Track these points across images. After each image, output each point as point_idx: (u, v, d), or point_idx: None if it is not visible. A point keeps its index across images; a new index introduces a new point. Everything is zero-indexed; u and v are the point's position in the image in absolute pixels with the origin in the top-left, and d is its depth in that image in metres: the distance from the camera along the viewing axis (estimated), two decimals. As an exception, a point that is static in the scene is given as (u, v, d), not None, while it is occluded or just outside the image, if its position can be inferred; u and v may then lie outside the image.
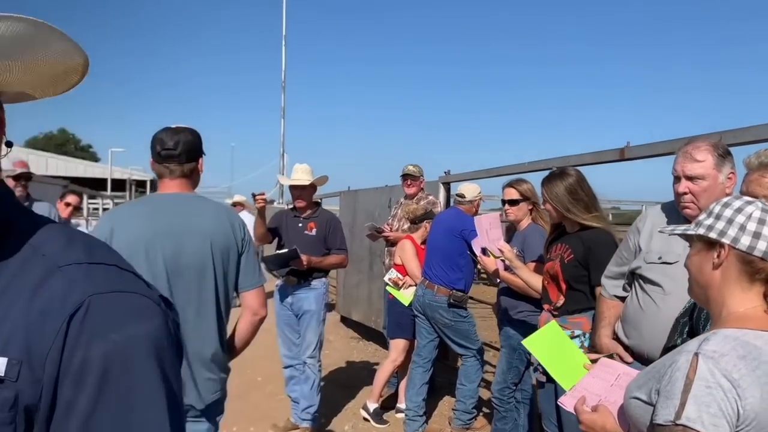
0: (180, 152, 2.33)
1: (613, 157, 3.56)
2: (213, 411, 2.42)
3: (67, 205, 5.42)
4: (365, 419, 5.02)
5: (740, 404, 1.25)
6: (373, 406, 5.02)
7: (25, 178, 4.52)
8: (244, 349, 2.56)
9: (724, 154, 2.35)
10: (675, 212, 2.47)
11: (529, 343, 2.46)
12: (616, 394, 1.70)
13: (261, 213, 4.57)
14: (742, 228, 1.40)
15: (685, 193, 2.34)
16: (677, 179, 2.38)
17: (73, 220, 5.65)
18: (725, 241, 1.42)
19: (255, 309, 2.44)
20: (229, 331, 2.49)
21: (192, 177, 2.40)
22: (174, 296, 2.24)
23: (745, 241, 1.39)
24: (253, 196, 4.50)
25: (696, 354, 1.30)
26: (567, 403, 1.84)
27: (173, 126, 2.39)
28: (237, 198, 11.50)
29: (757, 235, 1.38)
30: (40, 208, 4.62)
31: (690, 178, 2.32)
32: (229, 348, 2.48)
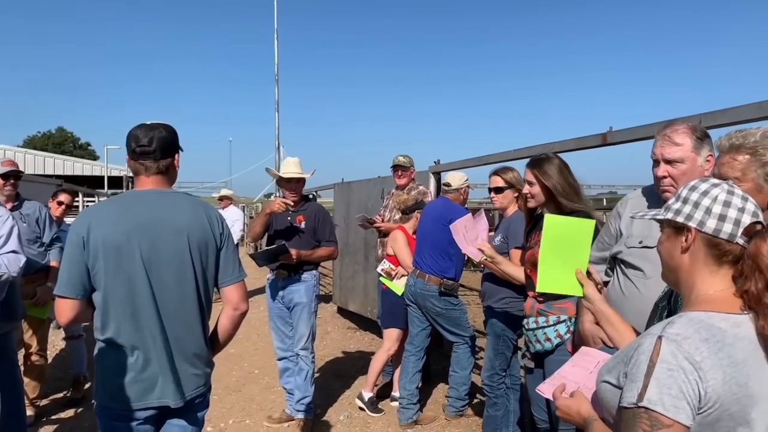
0: (155, 149, 2.32)
1: (596, 142, 3.56)
2: (196, 406, 2.42)
3: (60, 203, 5.41)
4: (360, 408, 5.05)
5: (701, 386, 1.25)
6: (368, 395, 5.06)
7: (14, 176, 4.50)
8: (227, 344, 2.56)
9: (702, 137, 2.34)
10: (655, 196, 2.47)
11: (551, 219, 2.16)
12: (594, 381, 1.71)
13: (270, 215, 4.55)
14: (708, 211, 1.41)
15: (665, 177, 2.34)
16: (656, 163, 2.37)
17: (66, 219, 5.62)
18: (692, 224, 1.42)
19: (235, 303, 2.44)
20: (211, 327, 2.50)
21: (168, 173, 2.39)
22: (154, 292, 2.25)
23: (711, 224, 1.40)
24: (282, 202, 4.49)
25: (659, 337, 1.30)
26: (545, 390, 1.84)
27: (148, 123, 2.38)
28: (224, 192, 11.45)
29: (722, 218, 1.39)
30: (29, 208, 4.62)
31: (669, 162, 2.32)
32: (212, 343, 2.48)
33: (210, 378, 2.49)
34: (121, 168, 31.85)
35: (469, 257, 3.72)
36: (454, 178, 4.79)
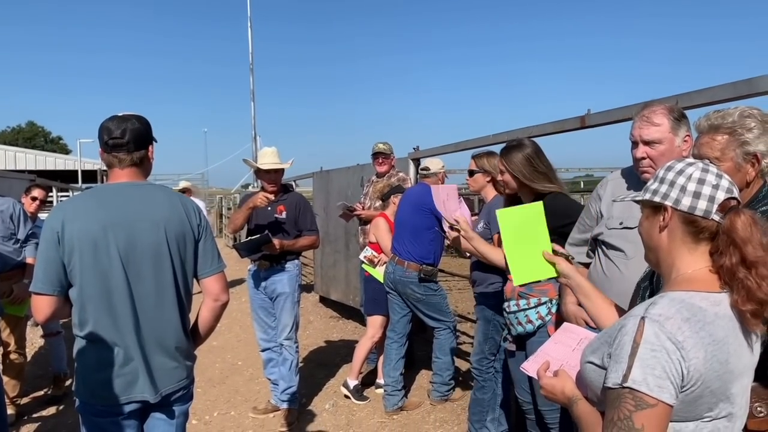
0: (128, 140, 2.27)
1: (574, 125, 3.58)
2: (180, 399, 2.40)
3: (33, 199, 5.30)
4: (346, 396, 5.07)
5: (684, 365, 1.27)
6: (353, 383, 5.07)
7: None
8: (208, 336, 2.54)
9: (679, 117, 2.36)
10: (635, 177, 2.49)
11: (503, 214, 2.24)
12: (577, 359, 1.72)
13: (252, 210, 4.51)
14: (683, 189, 1.42)
15: (644, 158, 2.36)
16: (635, 144, 2.39)
17: (41, 215, 5.51)
18: (667, 203, 1.44)
19: (216, 295, 2.41)
20: (192, 319, 2.48)
21: (143, 165, 2.35)
22: (131, 286, 2.22)
23: (686, 202, 1.41)
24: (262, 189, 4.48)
25: (642, 318, 1.32)
26: (529, 368, 1.85)
27: (120, 114, 2.33)
28: (183, 184, 11.21)
29: (697, 195, 1.41)
30: (2, 204, 4.52)
31: (647, 143, 2.34)
32: (193, 335, 2.46)
33: (192, 371, 2.47)
34: (95, 162, 31.36)
35: (448, 244, 3.75)
36: (432, 163, 4.81)
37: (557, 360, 1.77)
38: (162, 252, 2.26)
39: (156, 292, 2.27)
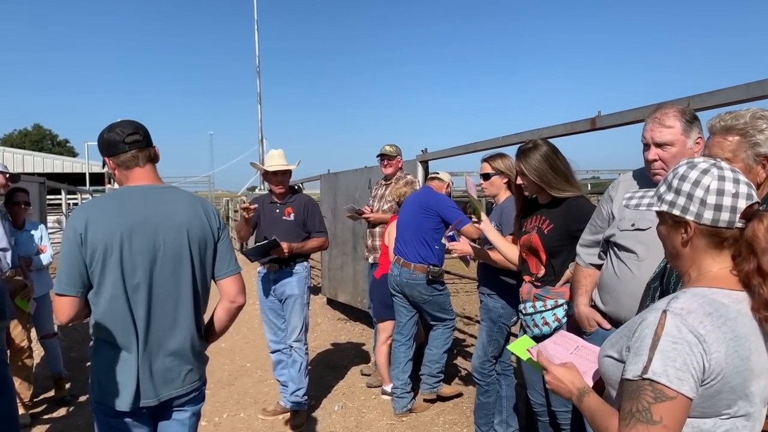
0: (143, 136, 2.31)
1: (585, 127, 3.57)
2: (192, 400, 2.41)
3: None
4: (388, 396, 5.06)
5: (706, 359, 1.28)
6: (389, 387, 5.04)
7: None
8: (221, 335, 2.55)
9: (691, 120, 2.36)
10: (646, 179, 2.48)
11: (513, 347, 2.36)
12: (574, 362, 1.71)
13: (248, 221, 4.53)
14: (703, 203, 1.40)
15: (655, 160, 2.35)
16: (647, 146, 2.39)
17: (27, 219, 5.35)
18: (689, 218, 1.43)
19: (232, 296, 2.43)
20: (205, 319, 2.49)
21: (157, 162, 2.38)
22: (152, 289, 2.23)
23: (708, 216, 1.40)
24: (243, 209, 4.52)
25: (664, 311, 1.33)
26: (532, 351, 1.87)
27: (116, 122, 2.35)
28: None
29: (718, 208, 1.39)
30: None
31: (659, 145, 2.34)
32: (206, 335, 2.47)
33: (204, 372, 2.48)
34: (100, 167, 31.41)
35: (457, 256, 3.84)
36: (445, 174, 4.84)
37: (556, 358, 1.77)
38: (183, 256, 2.28)
39: (175, 295, 2.28)
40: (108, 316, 2.21)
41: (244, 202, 4.53)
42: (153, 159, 2.36)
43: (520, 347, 2.04)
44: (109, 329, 2.22)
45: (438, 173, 4.83)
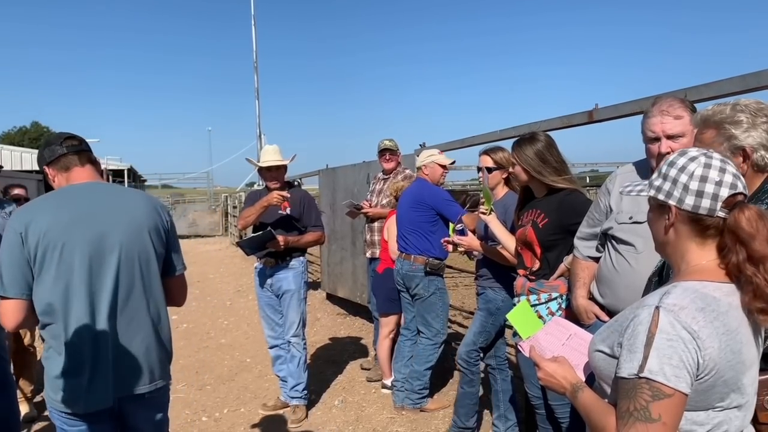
0: (80, 141, 2.35)
1: (582, 120, 3.57)
2: (157, 398, 2.38)
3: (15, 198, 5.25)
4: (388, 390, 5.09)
5: (700, 355, 1.28)
6: (389, 381, 5.06)
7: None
8: None
9: (693, 110, 2.35)
10: (644, 171, 2.48)
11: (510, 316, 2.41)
12: (566, 354, 1.71)
13: (266, 208, 4.49)
14: (686, 188, 1.40)
15: (669, 153, 2.30)
16: (654, 140, 2.34)
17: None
18: (671, 202, 1.43)
19: (176, 299, 2.51)
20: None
21: (97, 167, 2.38)
22: (101, 288, 2.17)
23: (689, 201, 1.40)
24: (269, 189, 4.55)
25: (657, 308, 1.32)
26: (524, 347, 1.87)
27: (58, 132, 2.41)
28: None
29: (700, 194, 1.39)
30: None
31: (671, 137, 2.30)
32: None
33: (169, 370, 2.44)
34: (100, 160, 31.36)
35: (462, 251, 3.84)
36: (421, 155, 4.76)
37: (547, 350, 1.77)
38: (132, 249, 2.23)
39: (126, 292, 2.22)
40: (60, 317, 2.13)
41: (277, 194, 4.49)
42: (94, 163, 2.36)
43: (518, 317, 2.08)
44: (61, 331, 2.13)
45: (433, 153, 4.70)
